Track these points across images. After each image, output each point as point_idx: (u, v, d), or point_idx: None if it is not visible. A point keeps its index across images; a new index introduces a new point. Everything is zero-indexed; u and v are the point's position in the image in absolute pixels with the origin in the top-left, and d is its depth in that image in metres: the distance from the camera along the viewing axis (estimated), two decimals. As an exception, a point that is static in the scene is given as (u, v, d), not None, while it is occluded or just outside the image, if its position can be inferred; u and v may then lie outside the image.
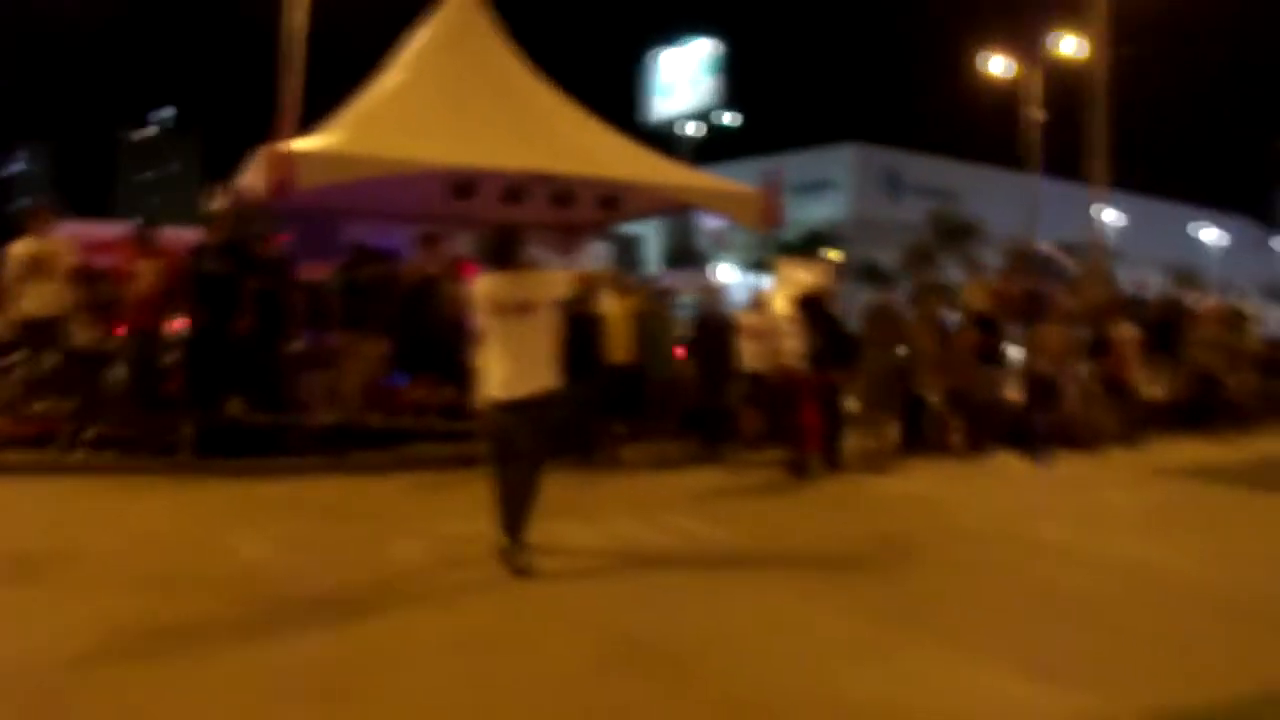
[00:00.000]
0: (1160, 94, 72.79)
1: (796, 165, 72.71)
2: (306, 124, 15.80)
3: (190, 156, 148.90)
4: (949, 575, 8.57)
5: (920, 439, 15.69)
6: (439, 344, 13.06)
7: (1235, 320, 20.33)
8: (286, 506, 10.37)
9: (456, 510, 10.19)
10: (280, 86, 24.09)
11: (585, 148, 15.24)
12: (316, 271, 14.05)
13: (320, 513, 10.08)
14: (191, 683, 5.49)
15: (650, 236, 68.88)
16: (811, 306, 13.83)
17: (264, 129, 13.32)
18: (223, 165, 17.73)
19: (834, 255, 54.49)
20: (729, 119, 66.49)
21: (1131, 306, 20.36)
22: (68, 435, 11.99)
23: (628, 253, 61.01)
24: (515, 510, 8.13)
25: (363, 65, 16.57)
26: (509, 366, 8.00)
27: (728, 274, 58.15)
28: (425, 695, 5.44)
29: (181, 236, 16.30)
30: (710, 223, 56.32)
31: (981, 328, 16.40)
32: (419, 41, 16.24)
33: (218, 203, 15.51)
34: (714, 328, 14.73)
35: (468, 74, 15.38)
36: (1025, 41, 44.50)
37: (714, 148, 65.06)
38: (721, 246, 63.83)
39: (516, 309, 8.01)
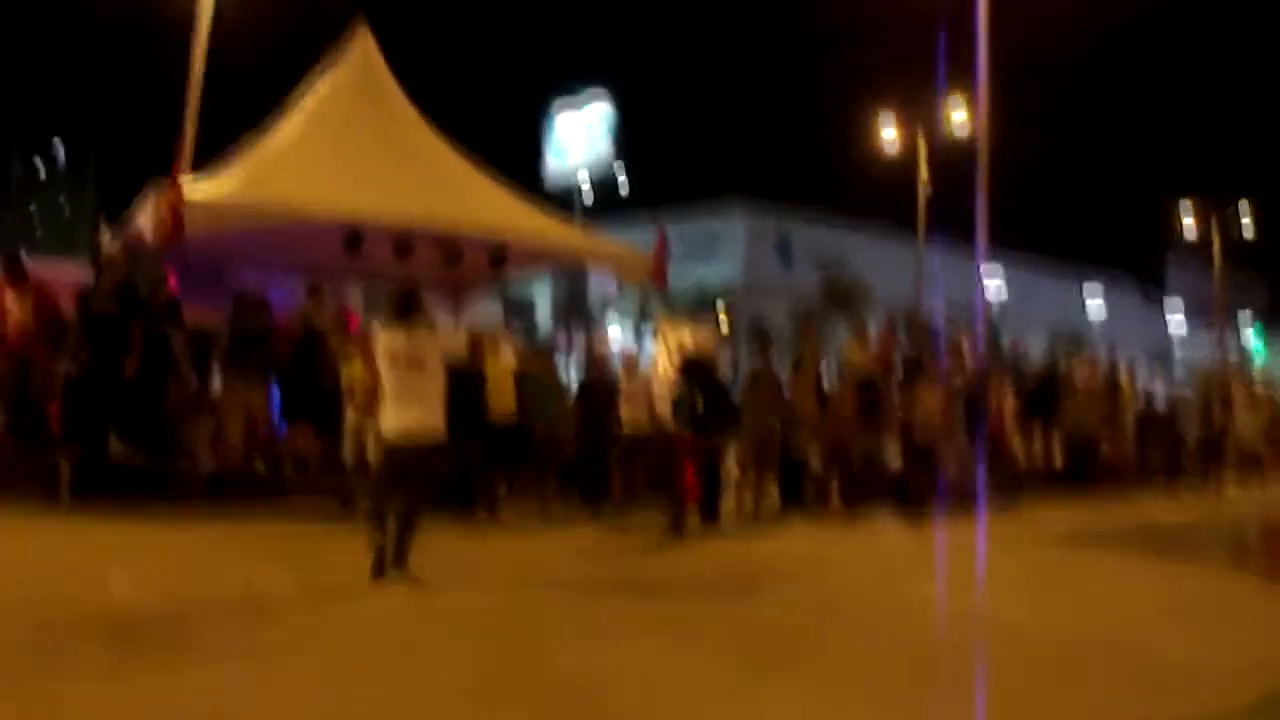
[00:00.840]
0: (1051, 156, 75.07)
1: (688, 227, 73.61)
2: (200, 165, 15.82)
3: (80, 191, 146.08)
4: (826, 631, 8.79)
5: (799, 499, 16.04)
6: (321, 395, 13.16)
7: (1112, 387, 21.07)
8: (163, 550, 10.34)
9: (332, 561, 10.28)
10: (181, 127, 23.95)
11: (476, 203, 15.46)
12: (201, 317, 14.05)
13: (196, 557, 10.10)
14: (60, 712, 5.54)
15: (542, 295, 69.11)
16: (693, 369, 14.16)
17: (160, 166, 13.38)
18: (115, 201, 17.62)
19: (723, 316, 55.15)
20: (622, 178, 67.37)
21: (1011, 371, 21.04)
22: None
23: (519, 312, 61.14)
24: (401, 542, 9.10)
25: (260, 106, 16.65)
26: (401, 412, 9.06)
27: (617, 334, 58.54)
28: None
29: (62, 271, 16.23)
30: (600, 281, 56.67)
31: (861, 389, 16.82)
32: (317, 90, 16.34)
33: (109, 245, 15.48)
34: (597, 388, 15.00)
35: (362, 124, 15.52)
36: (916, 108, 45.71)
37: (608, 204, 65.68)
38: (612, 306, 64.25)
39: (409, 362, 9.06)
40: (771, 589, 10.47)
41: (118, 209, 16.28)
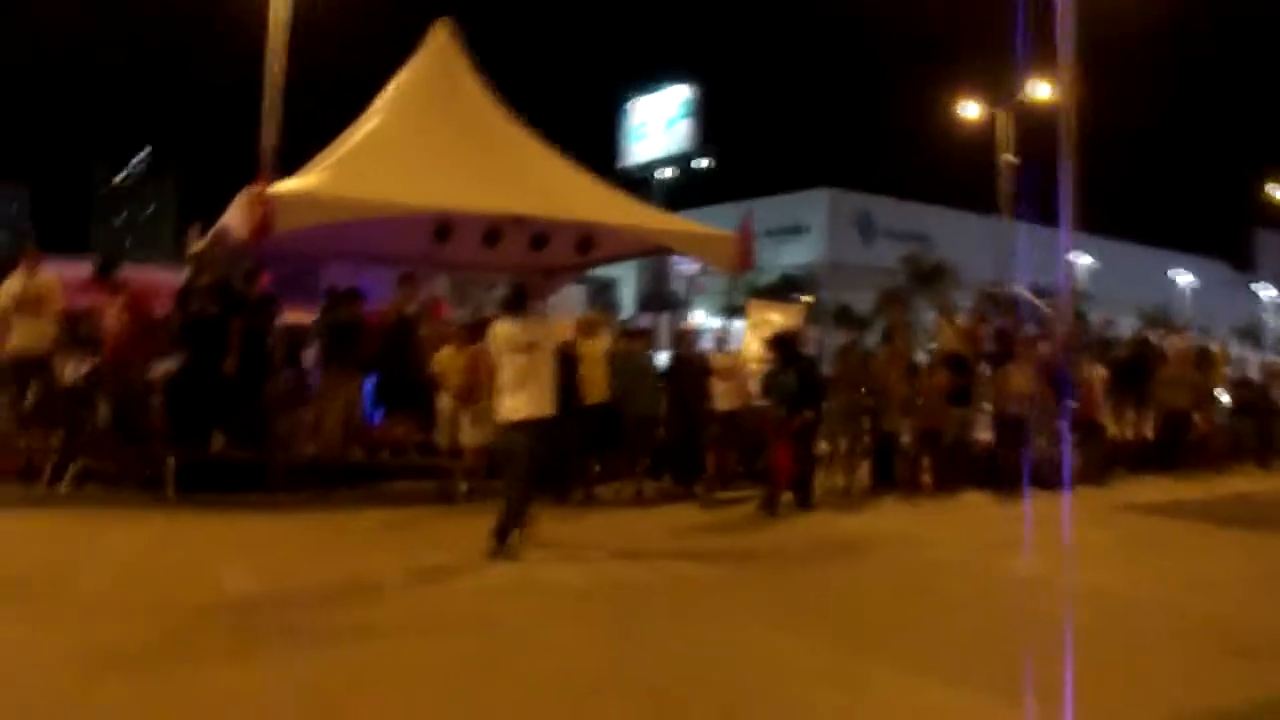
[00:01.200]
0: (1137, 137, 73.91)
1: (770, 209, 73.43)
2: (287, 167, 16.13)
3: (166, 198, 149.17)
4: (921, 606, 8.88)
5: (891, 478, 16.02)
6: (415, 383, 13.39)
7: (1203, 360, 20.75)
8: (269, 540, 10.61)
9: (434, 544, 10.53)
10: (261, 129, 24.44)
11: (561, 191, 15.55)
12: (296, 313, 14.34)
13: (302, 546, 10.33)
14: (187, 704, 5.71)
15: (626, 280, 69.40)
16: (784, 346, 14.19)
17: (242, 171, 13.67)
18: (199, 207, 17.98)
19: (807, 299, 54.96)
20: (704, 163, 67.25)
21: (1100, 346, 20.80)
22: (53, 469, 12.21)
23: (603, 296, 61.39)
24: (513, 514, 9.96)
25: (344, 109, 16.93)
26: (517, 395, 10.02)
27: (702, 318, 58.53)
28: (412, 717, 5.70)
29: (154, 275, 16.58)
30: (685, 267, 56.76)
31: (952, 368, 16.74)
32: (398, 85, 16.59)
33: (199, 245, 15.81)
34: (688, 368, 15.05)
35: (446, 117, 15.70)
36: (998, 86, 45.27)
37: (689, 192, 65.65)
38: (696, 291, 64.31)
39: (525, 348, 10.04)
40: (867, 568, 10.56)
41: (200, 213, 16.62)
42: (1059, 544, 12.21)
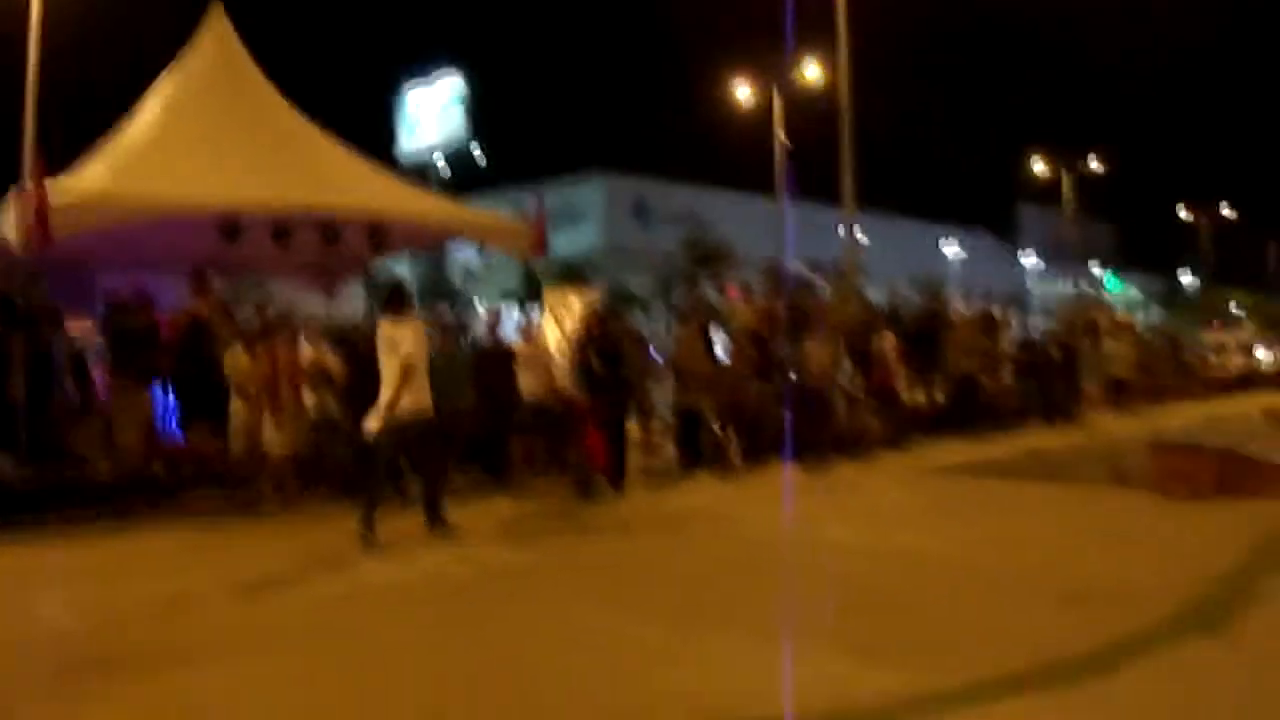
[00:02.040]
0: (903, 115, 76.41)
1: (547, 197, 73.10)
2: (51, 168, 15.22)
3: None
4: (746, 577, 9.00)
5: (698, 456, 16.15)
6: (215, 389, 12.84)
7: (989, 325, 21.54)
8: (77, 568, 9.99)
9: (248, 557, 10.16)
10: (23, 128, 23.19)
11: (350, 183, 15.09)
12: (71, 322, 13.61)
13: (113, 571, 9.74)
14: None
15: (403, 271, 68.34)
16: (601, 330, 14.16)
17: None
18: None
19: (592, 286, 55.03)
20: (477, 152, 66.80)
21: (891, 317, 21.42)
22: None
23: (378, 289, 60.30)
24: (436, 492, 11.14)
25: (108, 102, 16.09)
26: (407, 394, 10.59)
27: (480, 308, 58.09)
28: None
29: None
30: (464, 256, 56.20)
31: (753, 344, 16.99)
32: (175, 74, 15.79)
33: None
34: (493, 358, 14.84)
35: (227, 110, 15.00)
36: (769, 68, 46.21)
37: (466, 180, 65.01)
38: (474, 280, 63.80)
39: (392, 348, 10.58)
40: (690, 545, 10.65)
41: None
42: (873, 508, 12.54)
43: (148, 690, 6.13)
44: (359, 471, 12.93)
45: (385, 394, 10.61)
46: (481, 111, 66.79)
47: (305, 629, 7.55)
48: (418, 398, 10.72)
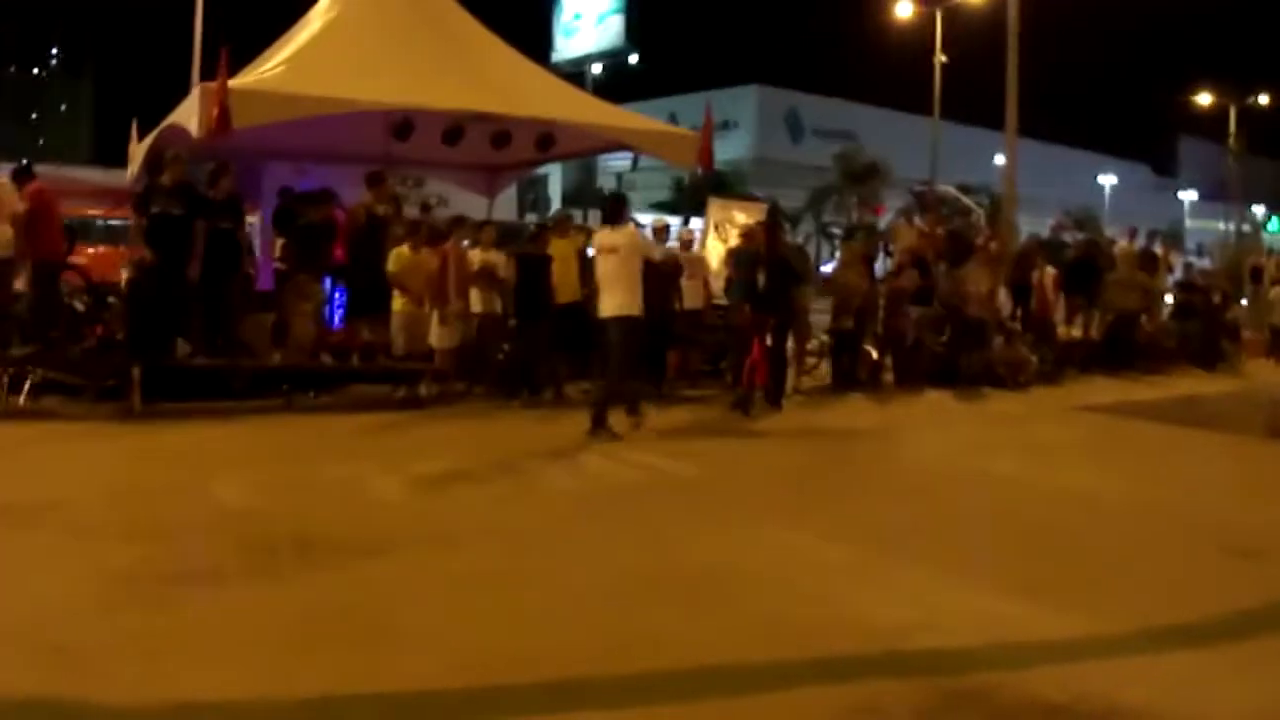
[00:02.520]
0: (1065, 41, 74.21)
1: (699, 106, 72.79)
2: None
3: (79, 98, 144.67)
4: (916, 505, 8.91)
5: (853, 378, 16.07)
6: (383, 286, 13.09)
7: (1150, 263, 20.92)
8: (250, 450, 10.34)
9: (419, 450, 10.38)
10: (194, 28, 23.68)
11: (522, 88, 15.19)
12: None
13: (287, 456, 10.06)
14: (214, 630, 5.43)
15: (553, 176, 68.51)
16: (771, 246, 14.07)
17: (160, 72, 13.09)
18: (113, 107, 17.35)
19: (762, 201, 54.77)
20: (634, 59, 66.37)
21: (1050, 248, 20.95)
22: (10, 380, 11.74)
23: (531, 192, 60.64)
24: (606, 400, 11.50)
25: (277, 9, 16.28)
26: (609, 295, 11.47)
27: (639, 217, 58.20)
28: (453, 631, 5.51)
29: (70, 175, 16.00)
30: (615, 162, 56.14)
31: (916, 269, 16.79)
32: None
33: (142, 144, 15.29)
34: (657, 268, 14.82)
35: (401, 12, 15.18)
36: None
37: (619, 88, 64.77)
38: (627, 187, 63.82)
39: (612, 250, 11.55)
40: (856, 469, 10.63)
41: (116, 113, 16.03)
42: (1026, 444, 12.36)
43: (340, 578, 6.28)
44: (521, 369, 13.30)
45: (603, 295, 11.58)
46: (639, 19, 66.19)
47: (483, 527, 7.67)
48: (625, 299, 11.41)
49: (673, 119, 65.02)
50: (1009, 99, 23.81)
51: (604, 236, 11.91)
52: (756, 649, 5.34)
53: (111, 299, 13.91)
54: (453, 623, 5.65)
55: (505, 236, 15.41)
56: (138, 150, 16.11)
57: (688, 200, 63.02)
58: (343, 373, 13.19)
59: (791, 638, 5.52)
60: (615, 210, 12.18)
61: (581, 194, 62.99)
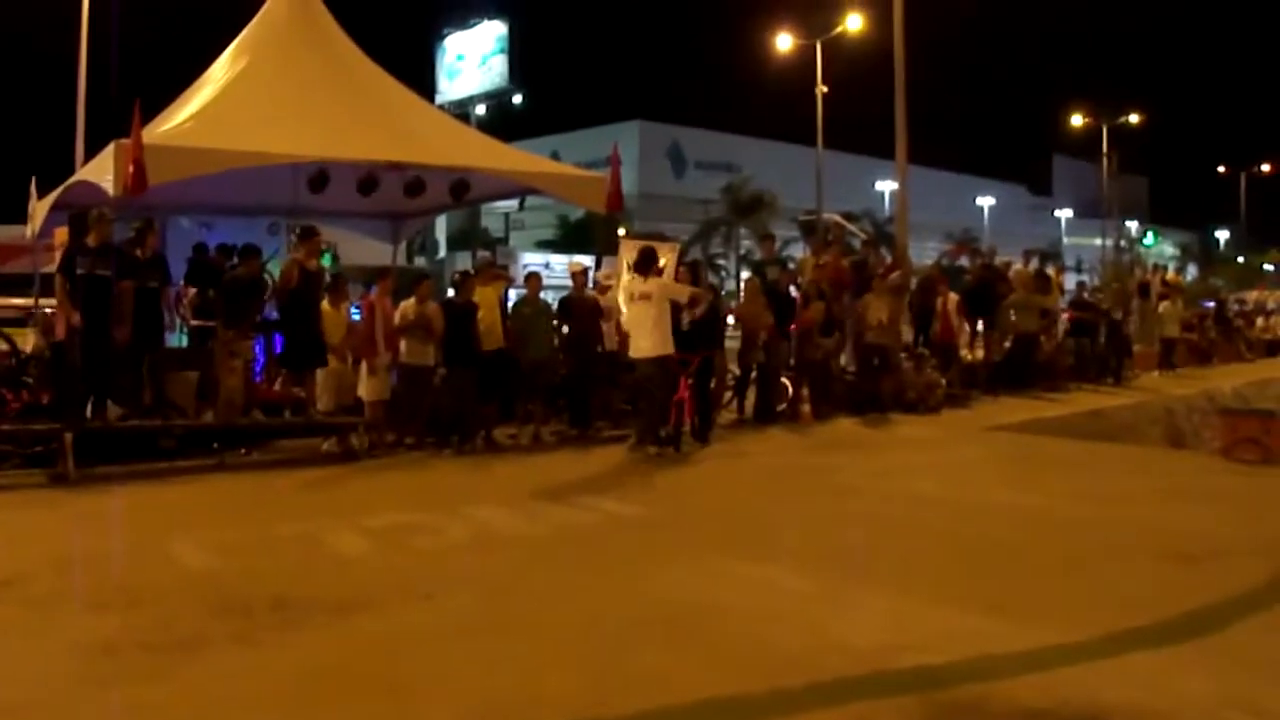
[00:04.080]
0: (941, 65, 76.06)
1: (583, 143, 73.34)
2: (118, 117, 15.39)
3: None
4: (865, 530, 9.26)
5: (770, 410, 16.46)
6: (319, 341, 13.13)
7: (1044, 283, 21.68)
8: (200, 510, 10.31)
9: (365, 503, 10.39)
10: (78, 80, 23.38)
11: (435, 136, 15.42)
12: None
13: (236, 515, 10.01)
14: (217, 697, 5.40)
15: (439, 218, 68.53)
16: (695, 283, 14.59)
17: (52, 125, 13.03)
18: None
19: (621, 231, 55.19)
20: (517, 99, 66.76)
21: (948, 274, 21.60)
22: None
23: (419, 235, 60.32)
24: (646, 428, 13.25)
25: (184, 58, 16.33)
26: (638, 339, 13.25)
27: (521, 256, 58.31)
28: (458, 681, 5.61)
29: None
30: (503, 203, 56.34)
31: (822, 301, 17.21)
32: (255, 30, 16.04)
33: (41, 203, 15.16)
34: (581, 309, 15.12)
35: (312, 62, 15.27)
36: (809, 17, 46.15)
37: (503, 127, 65.09)
38: (514, 227, 64.08)
39: (641, 297, 13.19)
40: (795, 498, 10.94)
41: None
42: (955, 465, 12.81)
43: (325, 636, 6.33)
44: (451, 417, 13.48)
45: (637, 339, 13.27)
46: (521, 58, 66.66)
47: (452, 577, 7.75)
48: (659, 340, 13.08)
49: (555, 156, 65.74)
50: (898, 130, 24.37)
51: (636, 284, 13.42)
52: (753, 679, 5.56)
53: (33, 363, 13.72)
54: (455, 672, 5.75)
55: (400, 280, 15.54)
56: (39, 208, 15.95)
57: (573, 239, 63.46)
58: (275, 429, 13.20)
59: (782, 665, 5.76)
60: (648, 261, 13.50)
61: (467, 235, 62.93)
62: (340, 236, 20.43)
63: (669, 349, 13.19)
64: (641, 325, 13.24)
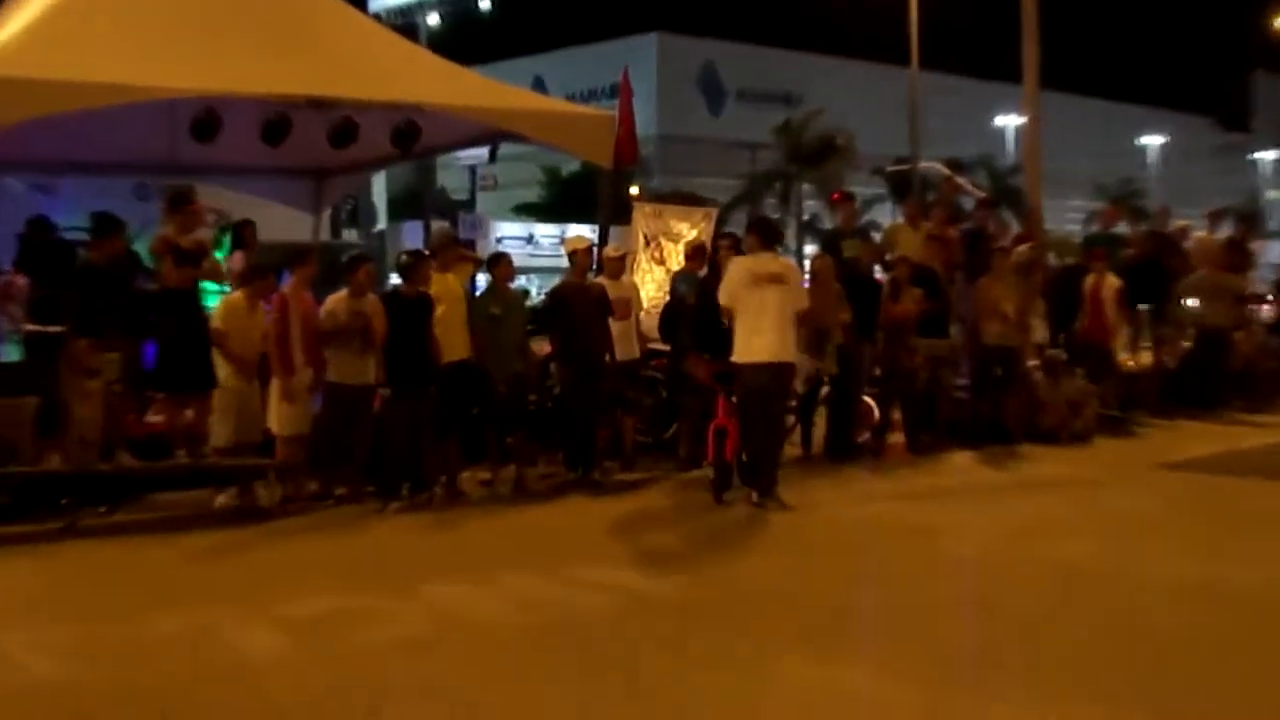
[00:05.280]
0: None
1: (577, 67, 73.59)
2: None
3: None
4: (983, 617, 9.28)
5: (847, 442, 16.36)
6: (204, 350, 13.11)
7: (1239, 258, 21.31)
8: (44, 597, 10.23)
9: (279, 582, 10.42)
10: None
11: (374, 62, 15.38)
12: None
13: (97, 602, 9.89)
14: None
15: (376, 176, 68.44)
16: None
17: None
18: None
19: (634, 190, 55.16)
20: (484, 4, 66.62)
21: (1102, 245, 21.27)
22: None
23: (349, 200, 60.26)
24: (771, 462, 13.42)
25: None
26: (755, 338, 13.17)
27: (494, 227, 58.38)
28: None
29: None
30: (468, 154, 56.36)
31: (921, 287, 16.94)
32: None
33: None
34: (582, 305, 14.96)
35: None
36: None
37: (463, 45, 64.91)
38: (483, 186, 64.01)
39: (773, 280, 13.26)
40: (888, 573, 10.93)
41: None
42: (1110, 520, 12.73)
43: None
44: (400, 459, 13.43)
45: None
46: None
47: (409, 686, 7.74)
48: (779, 341, 13.20)
49: (540, 87, 65.59)
50: (1026, 43, 24.19)
51: (762, 263, 13.45)
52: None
53: None
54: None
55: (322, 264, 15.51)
56: None
57: (566, 202, 63.31)
58: (151, 477, 13.19)
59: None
60: (773, 231, 14.28)
61: (417, 199, 62.94)
62: (237, 203, 20.43)
63: (791, 357, 13.50)
64: (764, 316, 13.14)
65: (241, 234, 15.71)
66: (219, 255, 15.35)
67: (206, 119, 14.60)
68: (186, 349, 13.04)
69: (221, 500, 13.29)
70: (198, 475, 13.42)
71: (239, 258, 14.95)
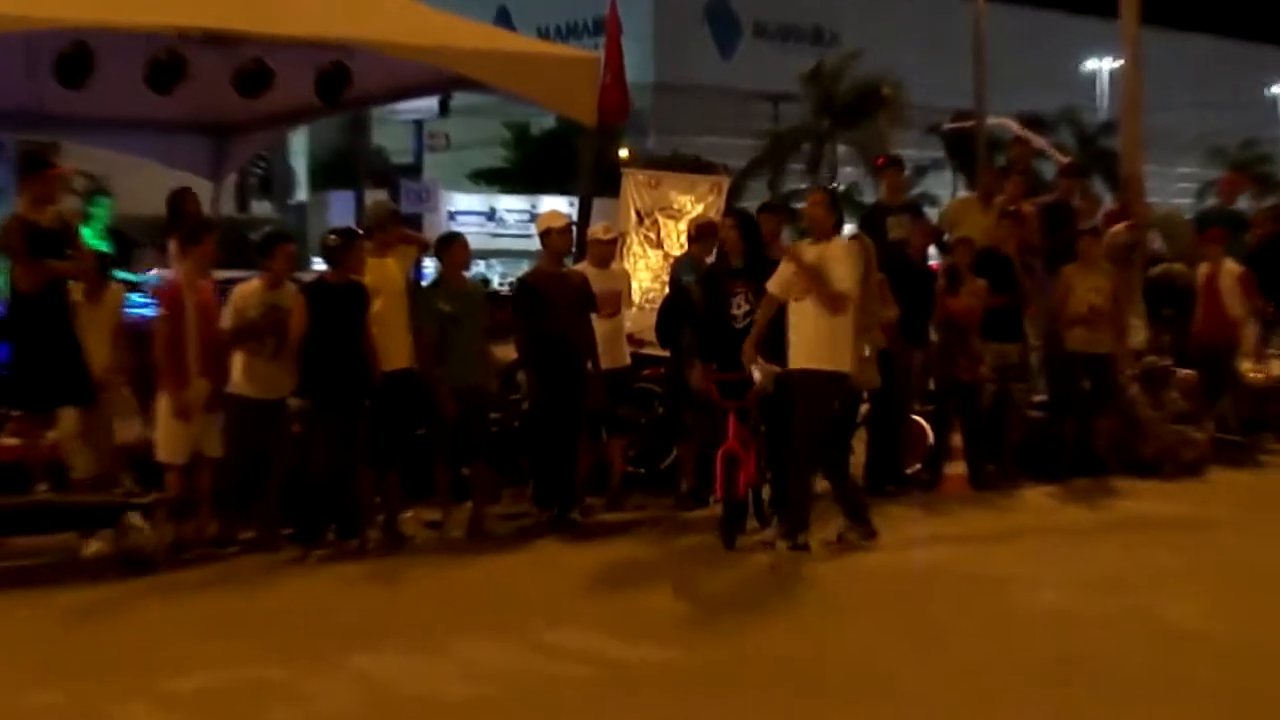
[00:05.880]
0: None
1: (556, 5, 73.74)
2: None
3: None
4: (1067, 686, 9.30)
5: (895, 471, 16.38)
6: (75, 357, 13.14)
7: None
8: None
9: (169, 649, 10.38)
10: None
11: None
12: None
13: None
14: None
15: (296, 134, 68.46)
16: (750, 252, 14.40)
17: None
18: None
19: (624, 153, 55.27)
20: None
21: (1221, 223, 21.27)
22: None
23: (260, 164, 60.30)
24: (799, 502, 13.50)
25: None
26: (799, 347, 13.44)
27: (446, 199, 58.57)
28: None
29: None
30: (410, 106, 56.49)
31: (991, 276, 16.94)
32: None
33: None
34: (562, 296, 14.88)
35: None
36: None
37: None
38: (433, 147, 63.97)
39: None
40: (936, 627, 11.01)
41: None
42: (1233, 574, 12.73)
43: None
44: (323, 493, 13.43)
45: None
46: None
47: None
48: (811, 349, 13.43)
49: (504, 20, 65.78)
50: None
51: (811, 250, 13.62)
52: None
53: None
54: None
55: (225, 244, 15.53)
56: None
57: (536, 168, 63.43)
58: (3, 516, 13.21)
59: None
60: (834, 206, 14.32)
61: (347, 164, 63.02)
62: (117, 166, 20.46)
63: (846, 365, 13.64)
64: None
65: (182, 207, 15.48)
66: (88, 233, 15.32)
67: (76, 58, 14.60)
68: (47, 356, 13.04)
69: (93, 548, 13.25)
70: (63, 514, 13.38)
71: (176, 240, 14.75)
